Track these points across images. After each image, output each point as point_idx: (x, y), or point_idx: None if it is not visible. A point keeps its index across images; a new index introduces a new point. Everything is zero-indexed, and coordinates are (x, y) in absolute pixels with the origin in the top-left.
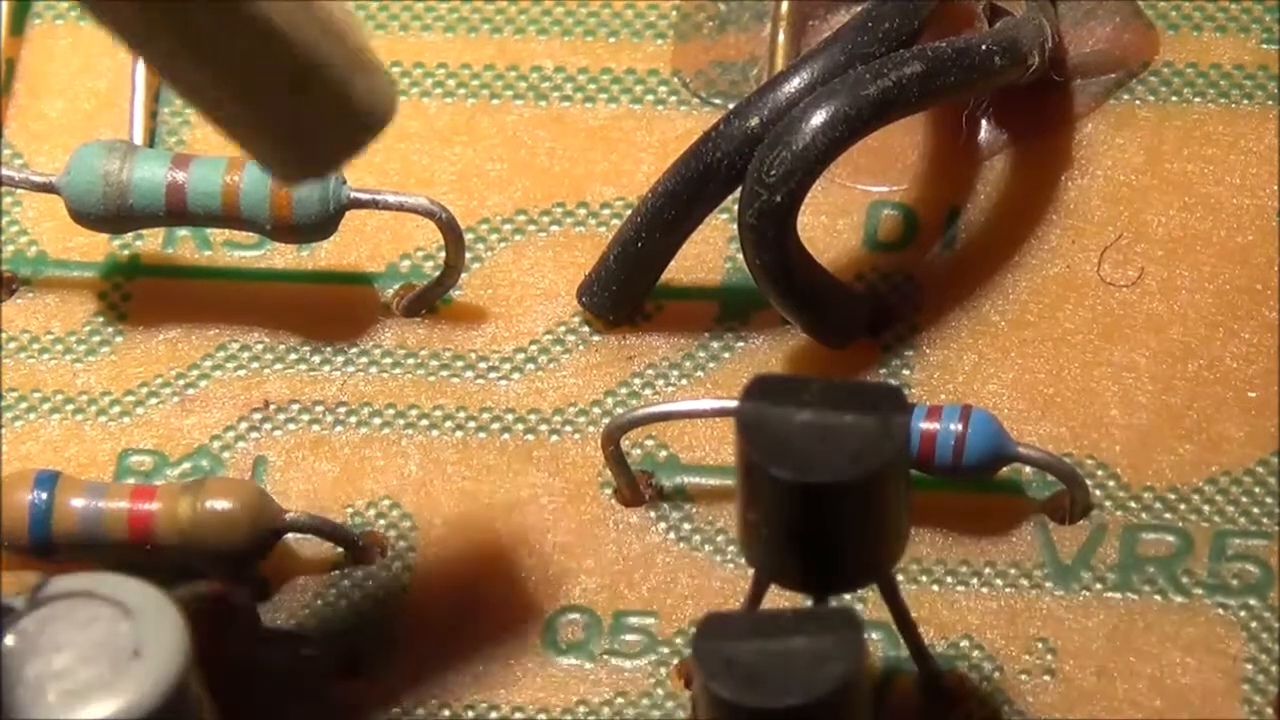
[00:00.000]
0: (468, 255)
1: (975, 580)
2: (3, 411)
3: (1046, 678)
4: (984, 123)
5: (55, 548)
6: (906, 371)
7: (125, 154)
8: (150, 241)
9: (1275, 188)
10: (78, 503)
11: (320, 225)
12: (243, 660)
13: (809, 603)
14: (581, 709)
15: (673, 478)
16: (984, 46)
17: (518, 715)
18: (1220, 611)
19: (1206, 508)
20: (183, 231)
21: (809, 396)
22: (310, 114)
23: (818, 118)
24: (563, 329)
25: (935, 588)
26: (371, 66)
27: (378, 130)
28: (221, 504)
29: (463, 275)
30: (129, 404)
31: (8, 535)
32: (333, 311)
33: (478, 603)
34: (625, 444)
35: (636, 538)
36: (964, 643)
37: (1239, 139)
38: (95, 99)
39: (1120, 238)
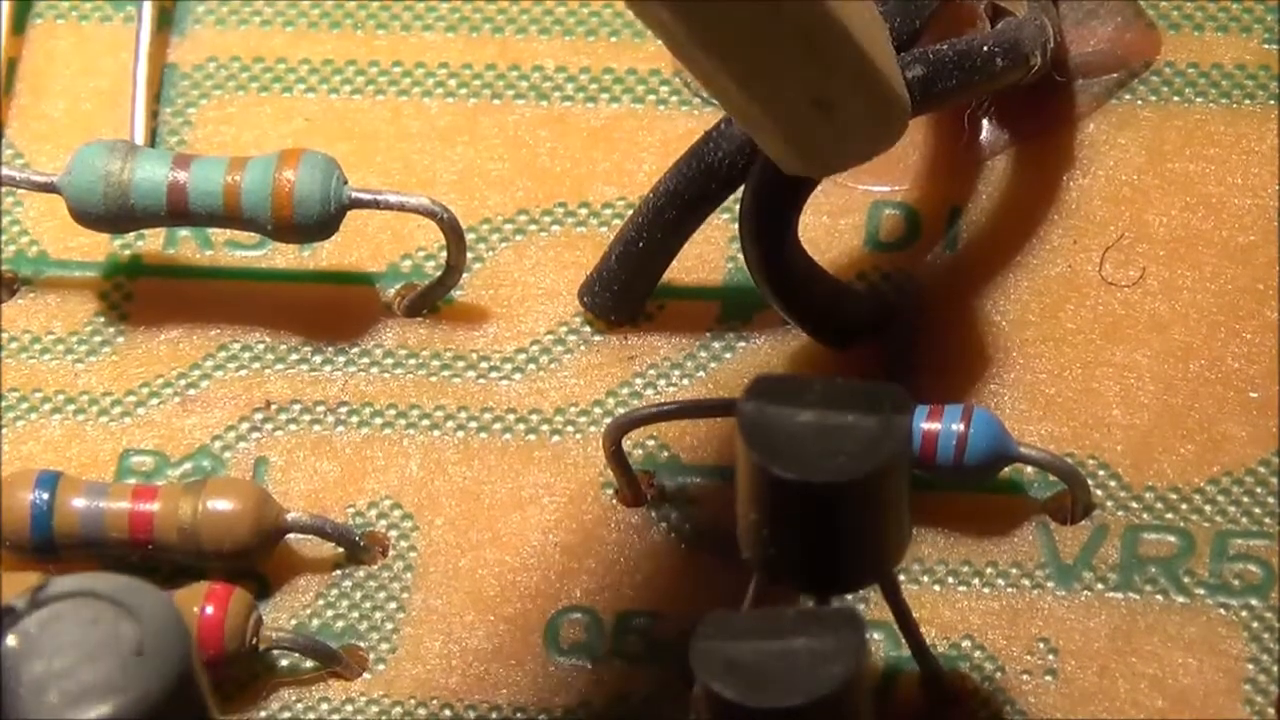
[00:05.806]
0: (469, 255)
1: (977, 580)
2: (4, 411)
3: (1048, 678)
4: (985, 122)
5: (56, 548)
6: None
7: (126, 154)
8: (151, 241)
9: (1277, 187)
10: (79, 503)
11: (321, 225)
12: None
13: (810, 603)
14: (583, 709)
15: (674, 478)
16: (985, 48)
17: (519, 715)
18: (1222, 612)
19: (1208, 508)
20: (184, 231)
21: (811, 396)
22: (825, 129)
23: None
24: (564, 329)
25: (937, 588)
26: (890, 79)
27: (891, 140)
28: (223, 504)
29: (464, 275)
30: (130, 404)
31: (9, 535)
32: (334, 311)
33: (479, 603)
34: (626, 444)
35: (638, 538)
36: (965, 643)
37: (1241, 139)
38: (96, 99)
39: (1122, 238)
